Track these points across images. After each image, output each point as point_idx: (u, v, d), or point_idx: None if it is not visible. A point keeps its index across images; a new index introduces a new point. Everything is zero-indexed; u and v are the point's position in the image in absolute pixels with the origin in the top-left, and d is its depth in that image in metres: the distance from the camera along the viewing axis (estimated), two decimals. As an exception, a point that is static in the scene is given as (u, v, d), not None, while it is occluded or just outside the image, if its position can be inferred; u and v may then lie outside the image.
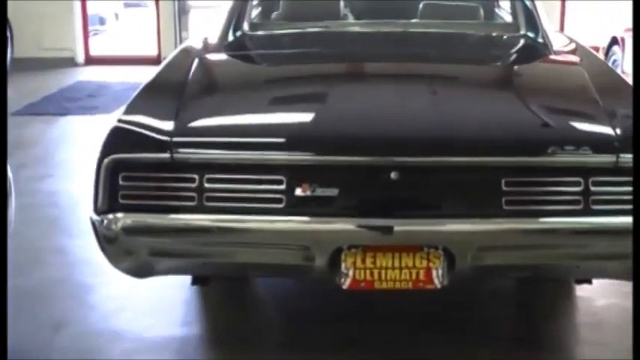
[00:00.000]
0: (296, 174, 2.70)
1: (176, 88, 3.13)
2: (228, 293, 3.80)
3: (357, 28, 4.11)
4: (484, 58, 3.86)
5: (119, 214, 2.73)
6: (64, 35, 10.26)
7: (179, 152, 2.72)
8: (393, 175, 2.67)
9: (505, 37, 4.05)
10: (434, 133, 2.83)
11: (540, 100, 3.13)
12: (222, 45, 3.77)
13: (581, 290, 3.74)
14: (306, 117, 2.97)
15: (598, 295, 3.71)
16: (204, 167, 2.72)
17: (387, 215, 2.71)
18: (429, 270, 2.75)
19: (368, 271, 2.75)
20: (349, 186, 2.71)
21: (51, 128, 7.21)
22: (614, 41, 8.48)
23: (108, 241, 2.78)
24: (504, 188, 2.70)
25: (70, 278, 4.04)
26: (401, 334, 3.43)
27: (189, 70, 3.32)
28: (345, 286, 2.78)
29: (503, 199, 2.70)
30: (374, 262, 2.74)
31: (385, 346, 3.33)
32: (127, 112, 2.96)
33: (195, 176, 2.71)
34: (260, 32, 3.99)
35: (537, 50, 3.81)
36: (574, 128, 2.90)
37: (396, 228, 2.69)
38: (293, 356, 3.27)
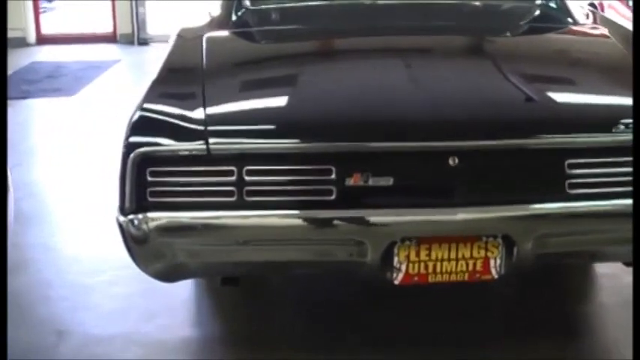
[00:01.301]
0: (346, 163, 2.46)
1: (193, 73, 2.84)
2: (241, 289, 3.54)
3: None
4: (519, 30, 3.66)
5: (150, 214, 2.46)
6: (14, 14, 9.77)
7: (215, 143, 2.46)
8: (451, 160, 2.46)
9: (529, 7, 3.83)
10: (493, 115, 2.62)
11: (594, 76, 2.99)
12: (228, 23, 3.44)
13: (603, 267, 3.60)
14: (353, 100, 2.70)
15: (624, 272, 3.52)
16: (244, 158, 2.46)
17: (445, 204, 2.51)
18: (486, 260, 2.57)
19: (422, 264, 2.55)
20: (405, 174, 2.49)
21: (12, 113, 6.76)
22: (592, 7, 8.39)
23: (138, 243, 2.50)
24: (567, 171, 2.52)
25: (63, 278, 3.75)
26: (423, 327, 3.27)
27: (201, 52, 3.01)
28: (397, 282, 2.58)
29: (567, 182, 2.52)
30: (429, 255, 2.54)
31: (409, 342, 3.16)
32: (148, 99, 2.67)
33: (234, 169, 2.45)
34: (266, 6, 3.66)
35: (563, 21, 3.61)
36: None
37: (455, 217, 2.49)
38: (312, 356, 3.08)
